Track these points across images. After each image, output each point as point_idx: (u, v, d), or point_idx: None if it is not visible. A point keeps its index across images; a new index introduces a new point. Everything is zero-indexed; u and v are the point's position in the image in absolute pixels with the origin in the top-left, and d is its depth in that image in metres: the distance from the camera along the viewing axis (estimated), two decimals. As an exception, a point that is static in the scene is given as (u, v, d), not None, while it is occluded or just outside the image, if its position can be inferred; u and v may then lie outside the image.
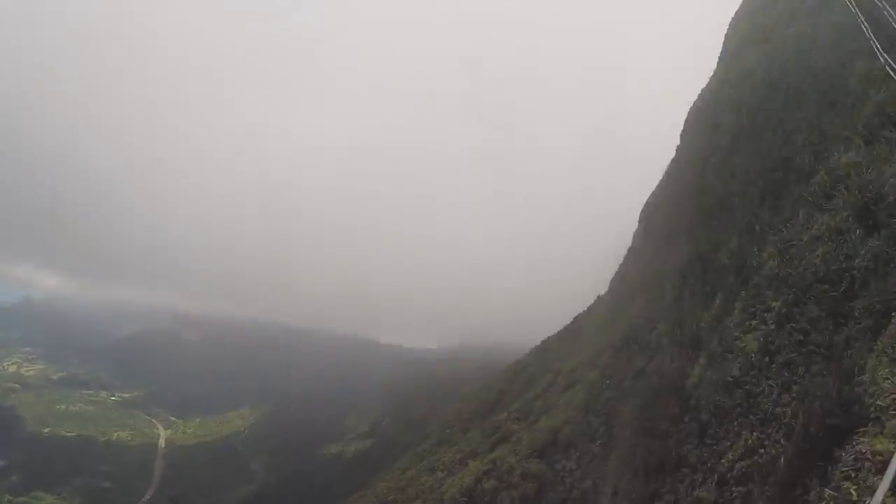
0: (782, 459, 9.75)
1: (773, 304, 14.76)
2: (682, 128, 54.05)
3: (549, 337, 67.79)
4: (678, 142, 53.14)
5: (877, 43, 22.11)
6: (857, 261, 12.62)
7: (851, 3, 27.56)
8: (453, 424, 57.52)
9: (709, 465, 13.97)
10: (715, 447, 14.05)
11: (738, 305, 16.83)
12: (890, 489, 5.18)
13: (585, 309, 64.96)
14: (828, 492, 6.60)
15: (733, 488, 12.18)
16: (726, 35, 52.48)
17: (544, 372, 52.79)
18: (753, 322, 15.28)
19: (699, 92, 53.58)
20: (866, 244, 12.77)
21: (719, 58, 51.10)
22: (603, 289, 61.49)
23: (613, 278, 57.51)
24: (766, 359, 13.57)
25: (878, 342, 9.70)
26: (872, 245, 12.51)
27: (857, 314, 11.58)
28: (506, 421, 45.43)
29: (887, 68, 19.45)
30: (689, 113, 54.73)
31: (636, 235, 56.17)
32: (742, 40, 39.77)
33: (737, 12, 52.77)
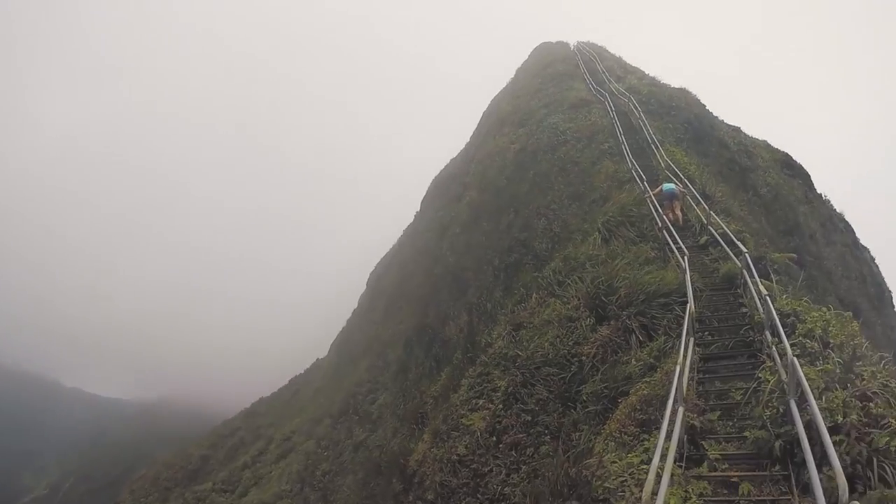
0: None
1: (501, 383, 15.58)
2: (424, 195, 56.86)
3: (261, 399, 65.81)
4: (418, 208, 55.71)
5: (627, 147, 25.42)
6: (586, 347, 13.96)
7: (610, 107, 31.58)
8: (149, 493, 52.28)
9: (435, 544, 14.13)
10: (441, 527, 14.35)
11: (465, 382, 17.53)
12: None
13: (303, 371, 64.21)
14: None
15: None
16: (485, 113, 56.77)
17: (255, 438, 50.91)
18: (481, 401, 15.93)
19: (447, 163, 56.94)
20: (596, 332, 14.24)
21: (473, 133, 54.96)
22: (323, 352, 61.27)
23: (335, 342, 57.54)
24: (494, 438, 14.19)
25: (606, 426, 10.66)
26: (602, 334, 13.99)
27: (584, 398, 12.77)
28: (210, 492, 42.58)
29: (632, 172, 22.37)
30: (433, 182, 57.78)
31: (362, 298, 57.01)
32: (500, 121, 43.07)
33: (499, 93, 57.55)
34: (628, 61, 49.41)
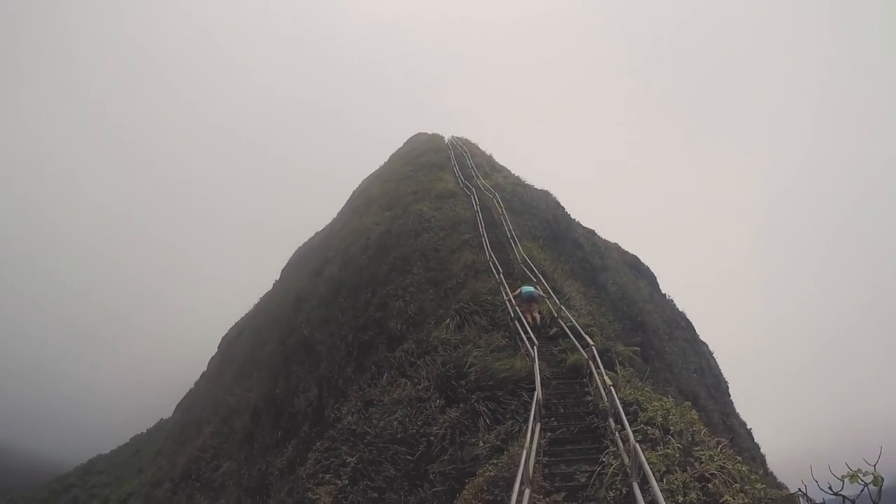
0: None
1: (349, 459, 15.34)
2: (285, 264, 56.04)
3: (99, 455, 61.42)
4: (277, 276, 54.72)
5: (487, 240, 26.02)
6: (434, 428, 13.88)
7: (475, 201, 32.41)
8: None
9: None
10: None
11: (312, 456, 17.15)
12: None
13: (145, 431, 60.68)
14: None
15: None
16: (354, 192, 57.26)
17: (89, 497, 47.54)
18: (327, 475, 15.69)
19: (312, 236, 56.62)
20: (445, 414, 14.19)
21: (341, 210, 55.11)
22: (168, 412, 58.14)
23: (181, 403, 54.96)
24: None
25: None
26: (451, 415, 13.94)
27: (432, 478, 12.74)
28: None
29: (490, 263, 22.85)
30: (295, 252, 57.14)
31: (212, 362, 55.00)
32: (368, 202, 43.50)
33: (371, 175, 58.35)
34: (497, 159, 51.39)
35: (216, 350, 56.83)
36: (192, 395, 53.29)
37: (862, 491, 6.16)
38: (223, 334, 59.10)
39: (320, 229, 56.90)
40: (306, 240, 58.94)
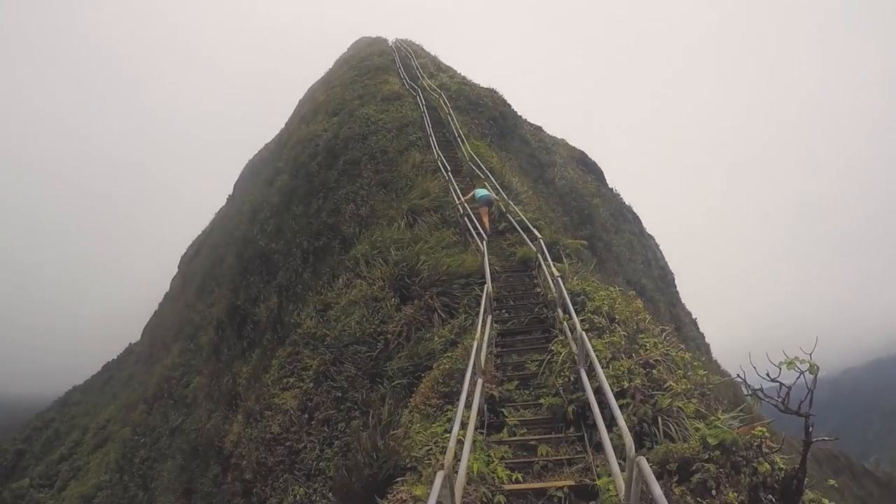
0: None
1: (311, 362, 15.28)
2: (237, 177, 54.72)
3: (74, 387, 60.96)
4: (231, 191, 53.53)
5: (434, 139, 25.52)
6: (391, 326, 13.81)
7: (421, 102, 31.60)
8: (-37, 493, 46.44)
9: (258, 524, 13.66)
10: (263, 506, 13.94)
11: (275, 363, 17.10)
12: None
13: (115, 357, 60.15)
14: None
15: None
16: (301, 100, 55.48)
17: (70, 428, 47.34)
18: (291, 380, 15.63)
19: (261, 148, 55.18)
20: (400, 312, 14.10)
21: (288, 119, 53.56)
22: (136, 336, 57.56)
23: (147, 325, 54.40)
24: (306, 415, 14.03)
25: (411, 400, 10.64)
26: (406, 313, 13.86)
27: (391, 374, 12.70)
28: (28, 489, 39.36)
29: (438, 162, 22.45)
30: (246, 165, 55.73)
31: (174, 281, 54.24)
32: (314, 109, 42.16)
33: (316, 82, 56.38)
34: (442, 60, 49.96)
35: (177, 269, 55.95)
36: (157, 316, 52.80)
37: (798, 378, 6.10)
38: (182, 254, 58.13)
39: (270, 140, 55.42)
40: (257, 152, 57.43)
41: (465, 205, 18.16)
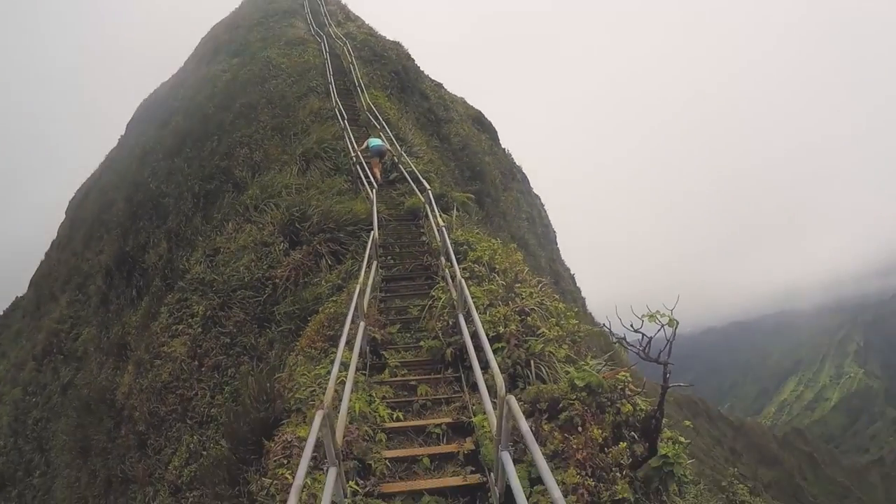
0: (224, 458, 9.75)
1: (199, 308, 14.85)
2: (130, 118, 51.84)
3: None
4: (123, 131, 50.76)
5: (334, 87, 24.96)
6: (279, 271, 13.58)
7: (325, 49, 30.73)
8: None
9: (157, 475, 13.31)
10: (158, 457, 13.55)
11: (164, 310, 16.49)
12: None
13: (1, 313, 56.05)
14: (266, 480, 6.84)
15: (187, 495, 11.69)
16: (202, 39, 52.75)
17: None
18: (180, 326, 15.16)
19: (157, 87, 52.47)
20: (289, 257, 13.87)
21: (188, 59, 51.02)
22: (22, 289, 53.73)
23: (34, 277, 50.86)
24: (196, 362, 13.70)
25: (297, 343, 10.58)
26: (294, 258, 13.65)
27: (278, 319, 12.56)
28: None
29: (336, 110, 22.01)
30: (140, 106, 52.90)
31: (62, 228, 50.87)
32: (216, 49, 40.38)
33: (220, 22, 53.64)
34: (352, 10, 48.58)
35: (64, 215, 52.58)
36: (44, 266, 49.45)
37: (658, 330, 6.42)
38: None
39: (166, 80, 52.65)
40: (152, 91, 54.45)
41: (359, 153, 17.92)
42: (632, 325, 6.59)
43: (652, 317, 6.39)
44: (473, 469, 6.36)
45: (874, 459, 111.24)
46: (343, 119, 20.97)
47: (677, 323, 6.37)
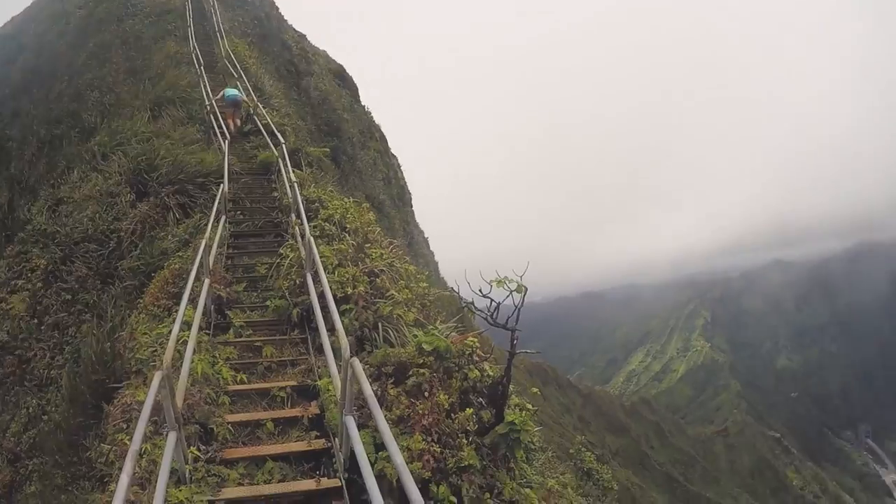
0: (62, 423, 8.61)
1: (40, 261, 13.12)
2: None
3: None
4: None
5: (193, 31, 22.96)
6: (125, 223, 12.23)
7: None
8: None
9: (-8, 441, 11.83)
10: (-5, 422, 12.04)
11: (2, 263, 14.60)
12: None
13: None
14: (104, 446, 6.18)
15: (26, 462, 10.27)
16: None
17: None
18: (20, 281, 13.31)
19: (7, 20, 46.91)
20: (135, 209, 12.52)
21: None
22: None
23: None
24: (35, 320, 12.11)
25: (141, 300, 9.62)
26: (141, 210, 12.32)
27: (122, 274, 11.32)
28: None
29: (193, 56, 20.22)
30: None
31: None
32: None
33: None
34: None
35: None
36: None
37: (507, 297, 6.27)
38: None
39: (17, 14, 47.08)
40: (0, 25, 48.59)
41: (214, 103, 16.51)
42: (480, 291, 6.41)
43: (500, 283, 6.28)
44: (318, 434, 5.99)
45: (719, 430, 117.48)
46: (200, 65, 19.43)
47: (525, 290, 6.30)
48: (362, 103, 37.85)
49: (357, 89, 38.00)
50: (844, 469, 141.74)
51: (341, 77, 36.25)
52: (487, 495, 5.59)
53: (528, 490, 6.17)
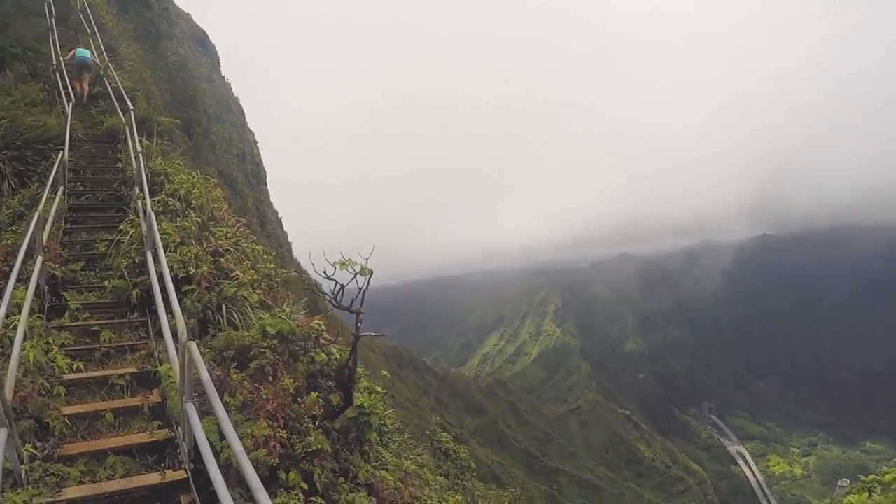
0: None
1: None
2: None
3: None
4: None
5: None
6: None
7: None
8: None
9: None
10: None
11: None
12: None
13: None
14: None
15: None
16: None
17: None
18: None
19: None
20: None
21: None
22: None
23: None
24: None
25: None
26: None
27: None
28: None
29: (46, 6, 18.42)
30: None
31: None
32: None
33: None
34: None
35: None
36: None
37: (352, 279, 6.27)
38: None
39: None
40: None
41: (63, 62, 15.30)
42: (325, 273, 6.38)
43: (344, 265, 6.24)
44: (161, 424, 5.76)
45: (572, 409, 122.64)
46: (51, 17, 17.70)
47: (371, 272, 6.31)
48: (222, 73, 36.26)
49: (218, 58, 36.34)
50: (691, 442, 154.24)
51: (203, 43, 34.55)
52: (342, 479, 5.61)
53: (383, 472, 6.25)
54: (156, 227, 7.57)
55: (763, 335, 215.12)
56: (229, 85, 36.47)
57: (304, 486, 5.13)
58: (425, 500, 7.54)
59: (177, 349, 5.39)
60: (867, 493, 5.27)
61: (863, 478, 5.47)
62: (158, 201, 9.34)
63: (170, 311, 6.09)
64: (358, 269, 6.24)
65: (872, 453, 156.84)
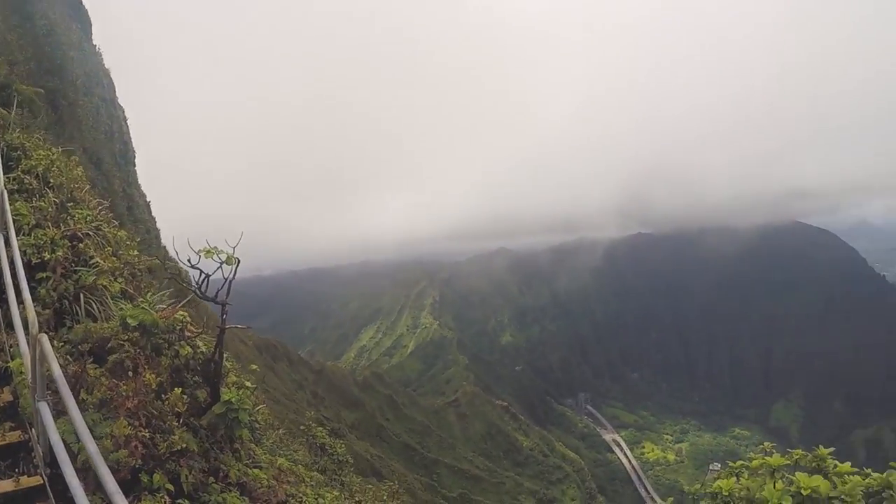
0: None
1: None
2: None
3: None
4: None
5: None
6: None
7: None
8: None
9: None
10: None
11: None
12: None
13: None
14: None
15: None
16: None
17: None
18: None
19: None
20: None
21: None
22: None
23: None
24: None
25: None
26: None
27: None
28: None
29: None
30: None
31: None
32: None
33: None
34: None
35: None
36: None
37: (217, 269, 6.02)
38: None
39: None
40: None
41: None
42: (189, 261, 6.07)
43: (210, 252, 5.97)
44: (14, 424, 5.27)
45: (450, 401, 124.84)
46: None
47: (238, 261, 6.07)
48: (94, 42, 33.78)
49: (90, 24, 33.82)
50: (568, 431, 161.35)
51: (76, 7, 32.07)
52: (212, 479, 5.41)
53: (256, 470, 6.11)
54: (8, 208, 6.97)
55: (636, 329, 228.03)
56: (100, 55, 34.00)
57: (171, 487, 4.90)
58: (301, 498, 7.40)
59: (28, 342, 4.98)
60: (735, 478, 5.61)
61: (731, 463, 5.89)
62: (13, 178, 8.61)
63: (21, 301, 5.62)
64: (224, 257, 5.98)
65: (741, 439, 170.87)
